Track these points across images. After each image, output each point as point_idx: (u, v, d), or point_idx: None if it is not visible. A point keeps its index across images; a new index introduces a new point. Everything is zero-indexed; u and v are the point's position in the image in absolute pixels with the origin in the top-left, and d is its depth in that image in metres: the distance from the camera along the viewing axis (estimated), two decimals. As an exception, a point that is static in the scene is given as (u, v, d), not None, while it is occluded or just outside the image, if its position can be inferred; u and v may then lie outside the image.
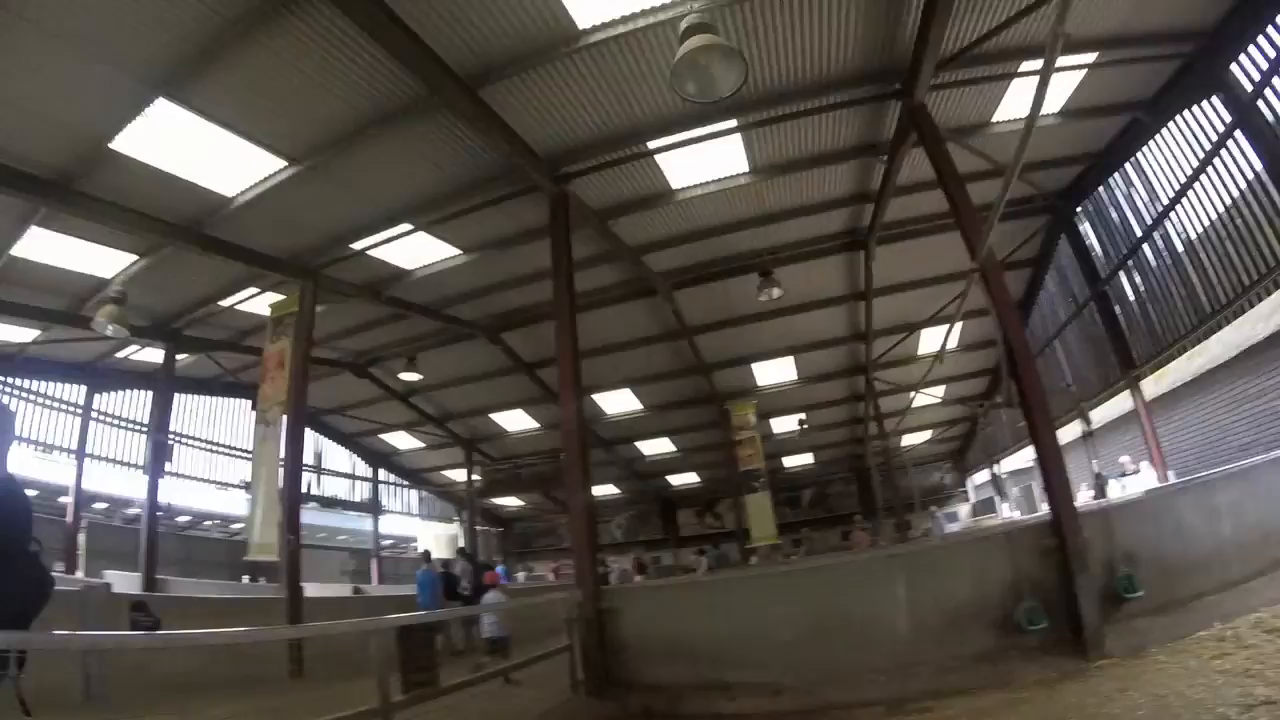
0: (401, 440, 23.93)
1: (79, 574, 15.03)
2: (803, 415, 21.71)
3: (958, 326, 12.42)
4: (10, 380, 15.79)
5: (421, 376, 17.18)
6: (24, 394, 16.13)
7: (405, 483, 27.40)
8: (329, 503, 24.06)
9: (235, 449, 20.69)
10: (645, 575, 22.87)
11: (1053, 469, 7.17)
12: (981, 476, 26.88)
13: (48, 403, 16.56)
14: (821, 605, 7.36)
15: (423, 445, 23.89)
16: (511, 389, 19.20)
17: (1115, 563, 6.57)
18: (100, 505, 21.90)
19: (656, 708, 7.41)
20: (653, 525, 31.08)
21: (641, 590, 11.43)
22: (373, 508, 25.64)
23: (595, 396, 19.77)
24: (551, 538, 31.55)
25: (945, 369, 15.72)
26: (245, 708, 4.70)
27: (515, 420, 21.96)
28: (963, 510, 27.88)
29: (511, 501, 30.14)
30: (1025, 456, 20.72)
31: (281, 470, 10.78)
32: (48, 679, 6.51)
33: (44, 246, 10.62)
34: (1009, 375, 7.72)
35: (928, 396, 18.80)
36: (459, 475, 24.81)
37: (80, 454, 16.86)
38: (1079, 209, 13.73)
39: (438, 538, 25.22)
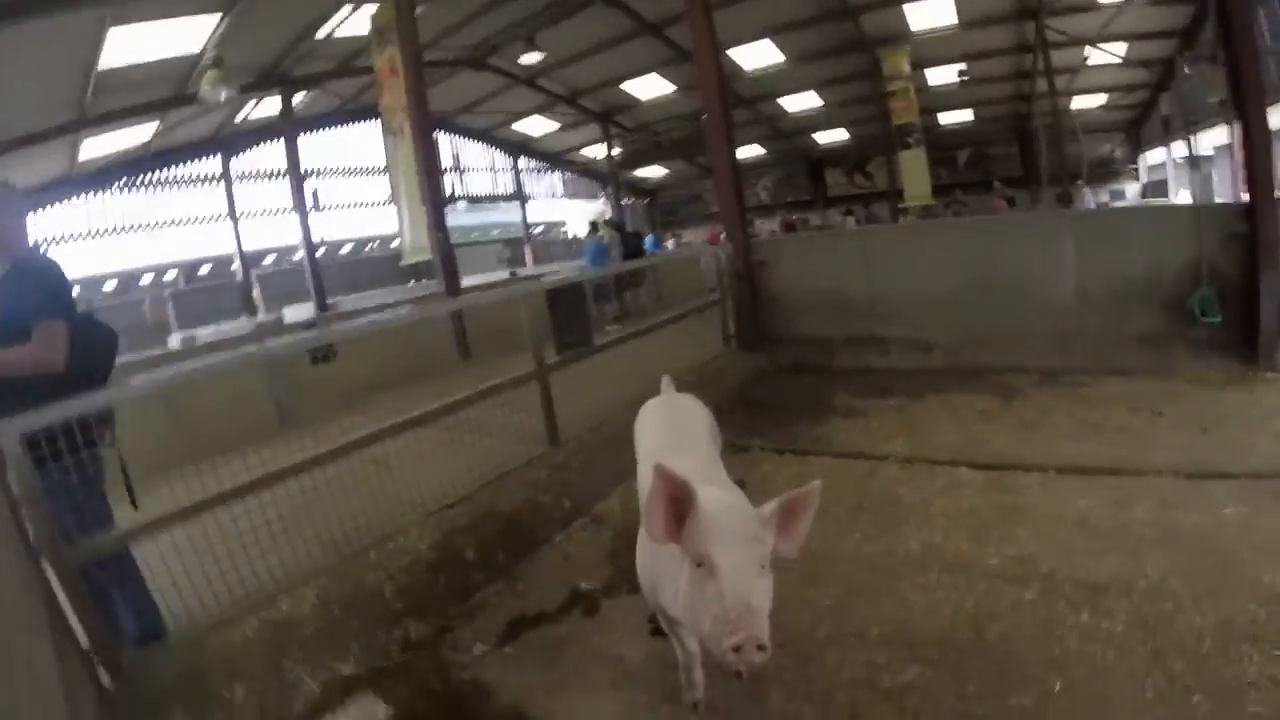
0: (535, 126, 24.56)
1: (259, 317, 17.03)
2: (962, 66, 19.88)
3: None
4: (150, 175, 16.74)
5: (544, 55, 16.87)
6: (166, 183, 17.32)
7: (546, 166, 28.65)
8: (475, 200, 26.06)
9: (375, 169, 21.87)
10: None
11: (1258, 142, 6.32)
12: (1156, 156, 24.52)
13: (191, 183, 17.74)
14: (980, 263, 7.24)
15: (557, 126, 24.57)
16: (640, 54, 18.64)
17: (1309, 271, 6.08)
18: (269, 260, 24.45)
19: (807, 360, 7.95)
20: (799, 186, 30.71)
21: (792, 241, 11.27)
22: (518, 196, 28.13)
23: (731, 52, 18.57)
24: (697, 204, 32.19)
25: (1129, 23, 13.89)
26: (420, 392, 5.41)
27: (648, 87, 21.51)
28: (1131, 189, 25.94)
29: (654, 172, 30.63)
30: (1211, 141, 18.86)
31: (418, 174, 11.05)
32: (245, 415, 7.35)
33: (129, 45, 10.62)
34: (1217, 24, 6.61)
35: (1106, 54, 16.91)
36: (598, 151, 25.59)
37: (234, 217, 18.52)
38: None
39: (586, 216, 26.25)
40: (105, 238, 18.64)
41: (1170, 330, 6.44)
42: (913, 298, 7.55)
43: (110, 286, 26.95)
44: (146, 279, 28.20)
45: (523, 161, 27.91)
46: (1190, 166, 21.20)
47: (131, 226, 19.09)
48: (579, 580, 3.87)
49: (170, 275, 28.67)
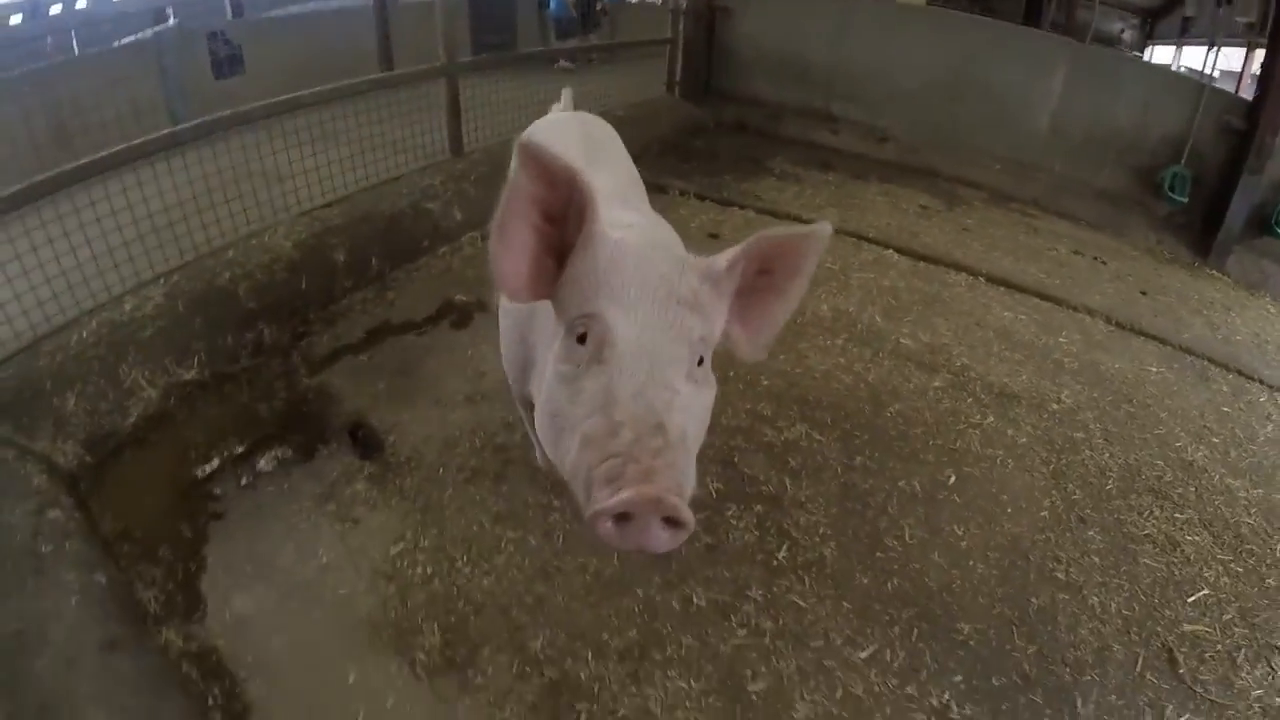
0: None
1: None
2: None
3: None
4: None
5: None
6: None
7: None
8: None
9: None
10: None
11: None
12: (1163, 54, 23.83)
13: None
14: (961, 66, 6.75)
15: None
16: None
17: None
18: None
19: (751, 122, 7.37)
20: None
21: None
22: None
23: None
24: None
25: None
26: (338, 111, 4.42)
27: None
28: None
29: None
30: (1225, 63, 18.03)
31: None
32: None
33: None
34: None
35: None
36: None
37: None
38: None
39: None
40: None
41: (1134, 195, 6.26)
42: (880, 82, 7.02)
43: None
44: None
45: None
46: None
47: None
48: (455, 293, 3.51)
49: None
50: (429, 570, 2.12)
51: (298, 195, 3.61)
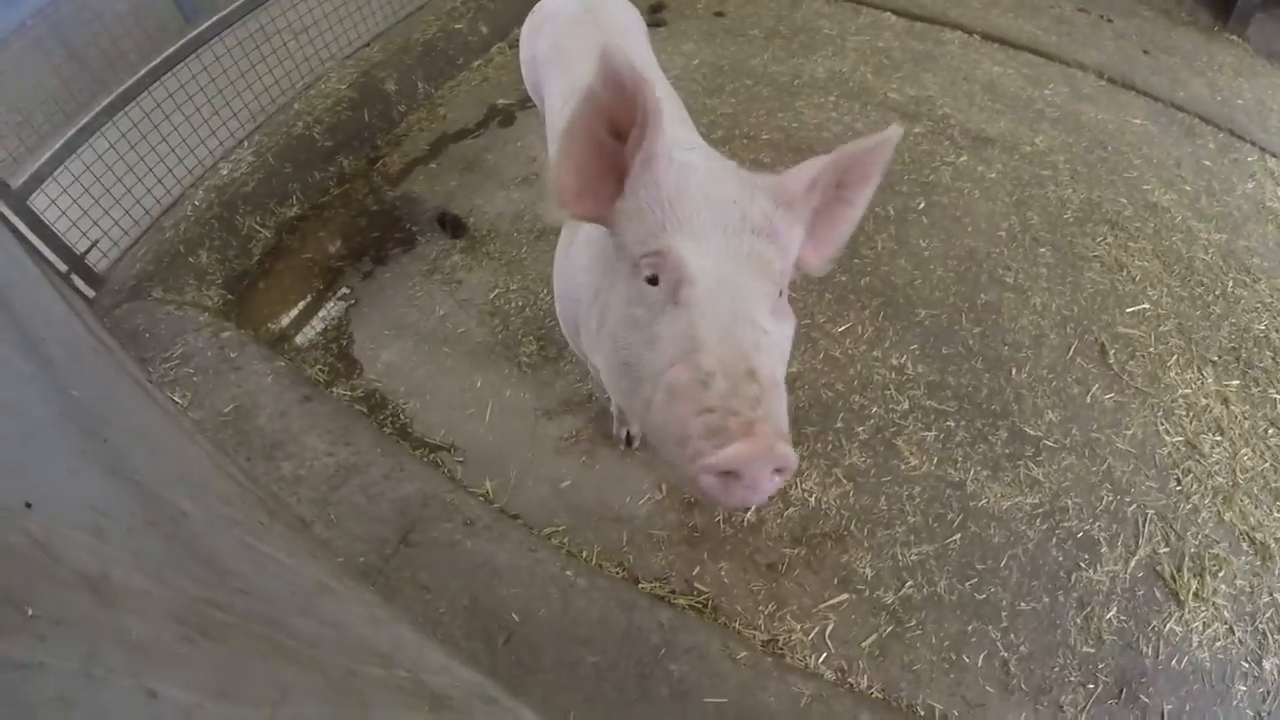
0: None
1: None
2: None
3: None
4: None
5: None
6: None
7: None
8: None
9: None
10: None
11: None
12: None
13: None
14: None
15: None
16: None
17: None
18: None
19: None
20: None
21: None
22: None
23: None
24: None
25: None
26: None
27: None
28: None
29: None
30: None
31: None
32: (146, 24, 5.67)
33: None
34: None
35: None
36: None
37: None
38: None
39: None
40: None
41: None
42: None
43: None
44: None
45: None
46: None
47: None
48: (497, 98, 4.05)
49: None
50: (520, 304, 2.93)
51: (338, 41, 4.09)
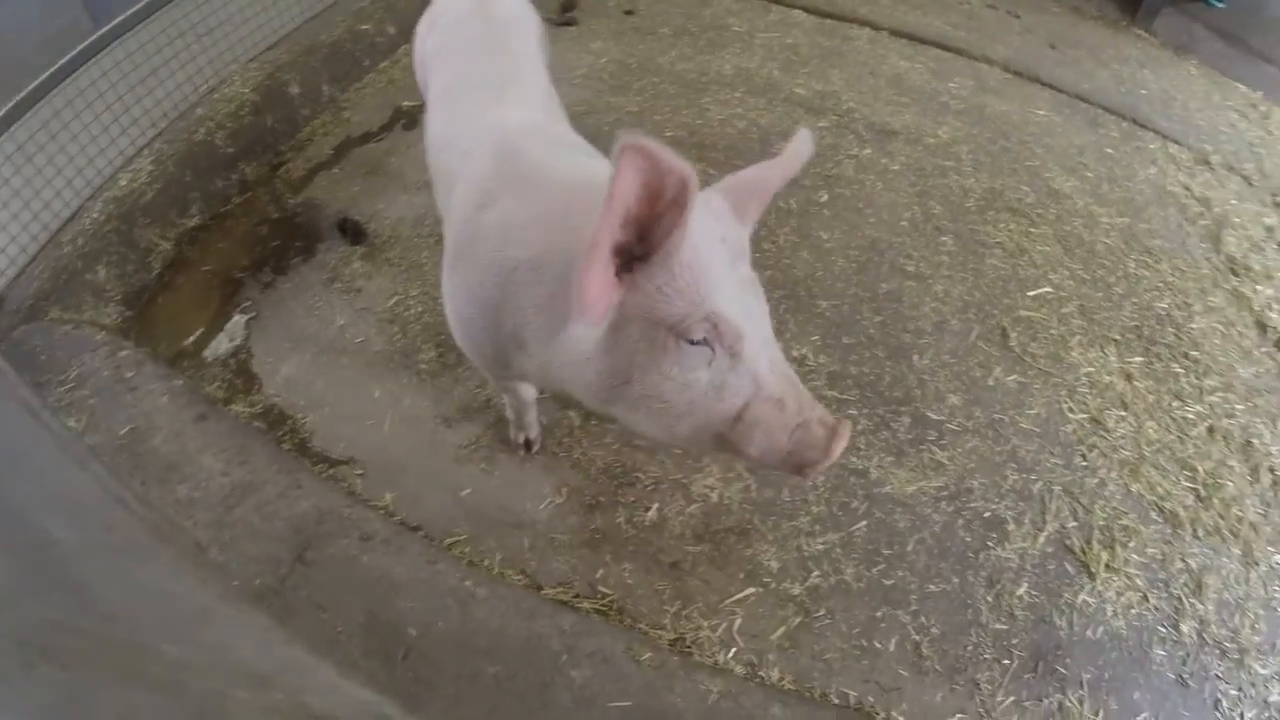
0: None
1: None
2: None
3: None
4: None
5: None
6: None
7: None
8: None
9: None
10: None
11: None
12: None
13: None
14: None
15: None
16: None
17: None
18: None
19: None
20: None
21: None
22: None
23: None
24: None
25: None
26: None
27: None
28: None
29: None
30: None
31: None
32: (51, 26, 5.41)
33: None
34: None
35: None
36: None
37: None
38: None
39: None
40: None
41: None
42: None
43: None
44: None
45: None
46: None
47: None
48: (402, 100, 4.03)
49: None
50: (419, 310, 2.89)
51: (244, 44, 4.02)
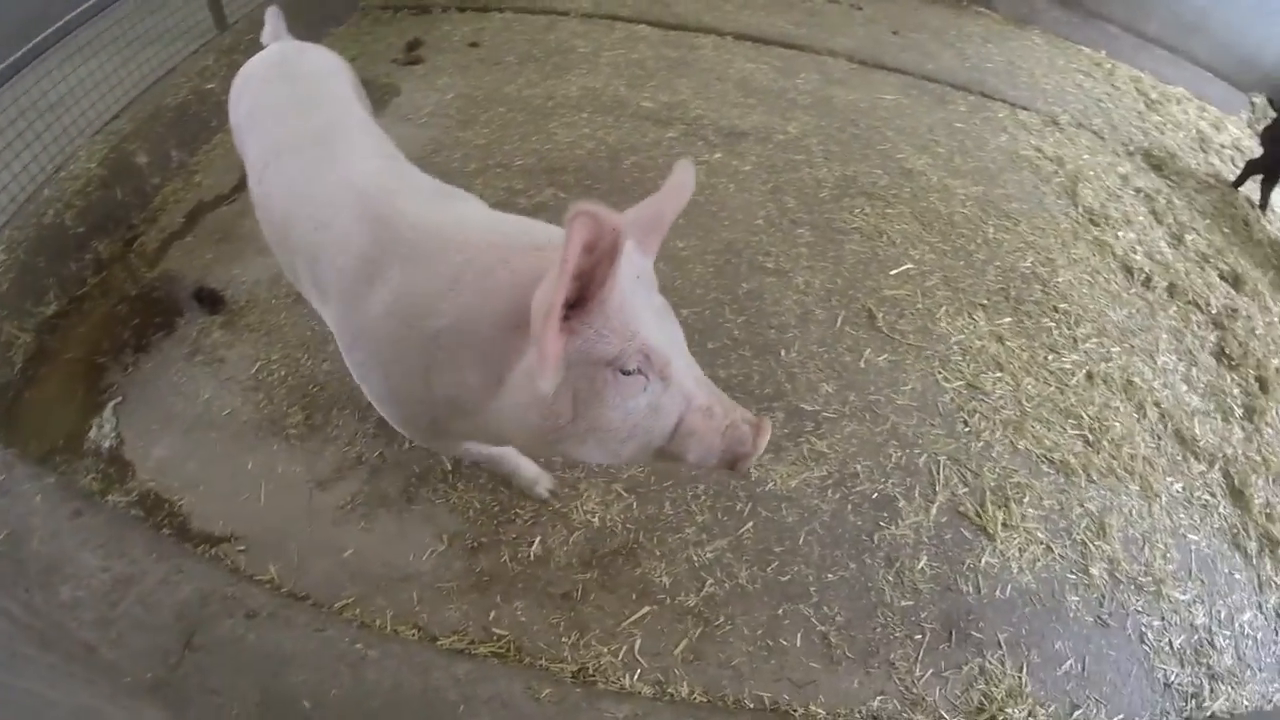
0: None
1: None
2: None
3: None
4: None
5: None
6: None
7: None
8: None
9: None
10: None
11: None
12: None
13: None
14: None
15: None
16: None
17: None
18: None
19: None
20: None
21: None
22: None
23: None
24: None
25: None
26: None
27: None
28: None
29: None
30: None
31: None
32: None
33: None
34: None
35: None
36: None
37: None
38: None
39: None
40: None
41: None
42: None
43: None
44: None
45: None
46: None
47: None
48: None
49: None
50: (283, 373, 2.80)
51: (85, 117, 3.87)
